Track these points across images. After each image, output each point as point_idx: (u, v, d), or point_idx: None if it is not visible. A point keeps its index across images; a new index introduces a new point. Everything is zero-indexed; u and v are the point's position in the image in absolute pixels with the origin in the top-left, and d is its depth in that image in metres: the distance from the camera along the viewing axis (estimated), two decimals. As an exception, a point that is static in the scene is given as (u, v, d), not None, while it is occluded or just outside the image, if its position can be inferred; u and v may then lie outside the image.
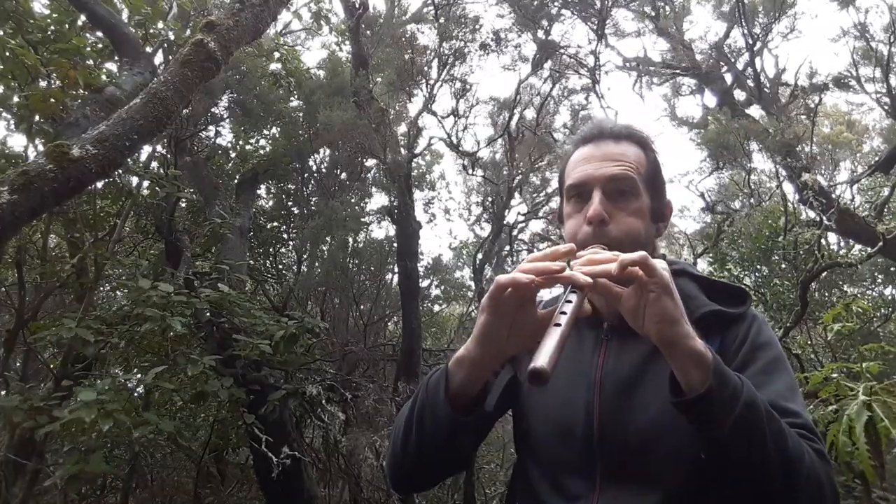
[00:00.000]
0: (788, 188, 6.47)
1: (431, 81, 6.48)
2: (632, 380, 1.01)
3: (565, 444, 1.02)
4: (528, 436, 1.10)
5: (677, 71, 8.62)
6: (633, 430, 0.97)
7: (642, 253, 0.85)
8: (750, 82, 7.75)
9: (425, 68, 6.45)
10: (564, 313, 0.82)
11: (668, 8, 8.13)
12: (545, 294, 1.05)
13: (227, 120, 6.55)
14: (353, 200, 7.00)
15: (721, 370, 0.84)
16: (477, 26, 6.57)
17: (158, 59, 4.62)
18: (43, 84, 3.85)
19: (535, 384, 0.74)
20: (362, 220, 7.05)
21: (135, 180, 4.63)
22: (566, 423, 1.02)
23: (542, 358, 0.75)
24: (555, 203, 8.02)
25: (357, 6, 5.72)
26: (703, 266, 6.89)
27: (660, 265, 0.85)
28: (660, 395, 0.92)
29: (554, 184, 8.19)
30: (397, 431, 1.06)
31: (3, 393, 3.93)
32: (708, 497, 0.92)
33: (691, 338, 0.84)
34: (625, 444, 0.97)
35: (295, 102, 6.67)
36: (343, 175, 7.27)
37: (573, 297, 0.85)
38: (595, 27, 7.03)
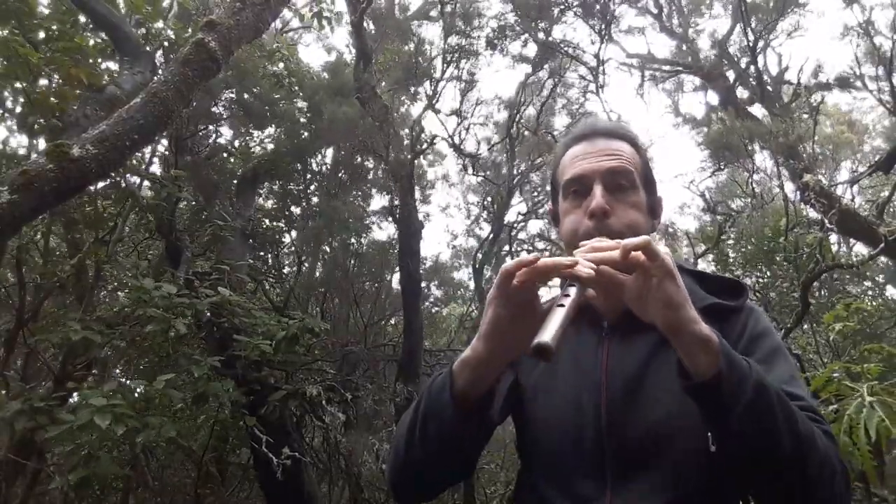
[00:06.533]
0: (789, 188, 6.45)
1: (436, 77, 6.46)
2: (637, 376, 0.99)
3: (574, 446, 1.00)
4: (535, 441, 1.07)
5: (680, 68, 8.59)
6: (643, 428, 0.95)
7: (645, 237, 0.83)
8: (752, 80, 7.71)
9: (431, 70, 6.44)
10: (568, 295, 0.82)
11: (671, 7, 8.11)
12: (546, 297, 1.04)
13: (227, 119, 6.54)
14: (354, 201, 6.99)
15: (729, 353, 0.83)
16: (483, 22, 6.55)
17: (159, 58, 4.61)
18: (44, 83, 3.84)
19: (540, 359, 0.75)
20: (364, 220, 7.04)
21: (136, 180, 4.63)
22: (574, 425, 1.00)
23: (547, 334, 0.75)
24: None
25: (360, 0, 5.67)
26: (704, 267, 6.86)
27: (662, 250, 0.84)
28: (668, 390, 0.91)
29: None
30: (399, 439, 1.03)
31: (3, 392, 3.92)
32: (723, 497, 0.91)
33: (697, 322, 0.82)
34: (636, 443, 0.95)
35: (297, 101, 6.65)
36: (345, 175, 7.26)
37: (573, 290, 0.84)
38: (599, 28, 7.01)
